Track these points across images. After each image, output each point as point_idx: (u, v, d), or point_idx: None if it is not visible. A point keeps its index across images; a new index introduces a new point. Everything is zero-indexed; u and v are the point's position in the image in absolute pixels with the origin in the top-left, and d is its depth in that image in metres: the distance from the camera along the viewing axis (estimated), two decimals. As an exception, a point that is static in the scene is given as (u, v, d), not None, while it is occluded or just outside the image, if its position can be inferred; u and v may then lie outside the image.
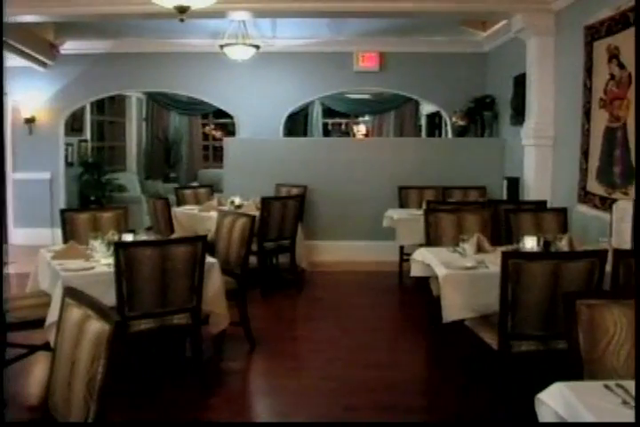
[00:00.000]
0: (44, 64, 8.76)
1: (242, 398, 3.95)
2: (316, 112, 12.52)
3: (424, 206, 5.82)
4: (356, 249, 7.39)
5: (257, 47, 7.44)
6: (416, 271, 4.24)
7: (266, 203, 6.00)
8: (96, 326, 2.07)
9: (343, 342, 4.74)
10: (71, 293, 2.35)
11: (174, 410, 3.53)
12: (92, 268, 3.72)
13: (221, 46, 7.34)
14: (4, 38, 6.80)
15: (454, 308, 3.52)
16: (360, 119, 13.47)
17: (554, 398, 1.91)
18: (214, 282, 3.87)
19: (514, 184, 6.79)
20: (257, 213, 5.53)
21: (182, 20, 4.50)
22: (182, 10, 4.33)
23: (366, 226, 7.36)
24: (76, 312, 2.24)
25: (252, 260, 5.16)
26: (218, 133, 13.23)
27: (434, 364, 4.45)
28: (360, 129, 13.60)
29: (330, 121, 13.37)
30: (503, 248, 3.82)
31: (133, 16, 6.43)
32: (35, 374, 4.11)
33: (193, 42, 8.55)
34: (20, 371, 4.01)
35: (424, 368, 4.44)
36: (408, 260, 5.55)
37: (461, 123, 8.54)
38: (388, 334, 5.08)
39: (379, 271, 6.87)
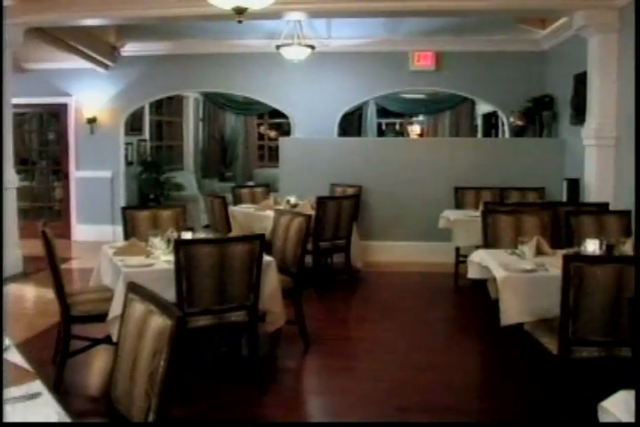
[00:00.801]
0: (105, 66, 9.01)
1: (295, 396, 3.98)
2: (371, 112, 12.48)
3: (481, 207, 5.74)
4: (411, 250, 7.35)
5: (312, 47, 7.48)
6: (473, 273, 4.19)
7: (321, 202, 6.02)
8: (158, 322, 2.12)
9: (398, 343, 4.72)
10: (134, 288, 2.40)
11: (229, 406, 3.58)
12: (152, 264, 3.81)
13: (277, 47, 7.41)
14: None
15: (513, 311, 3.47)
16: (414, 119, 13.36)
17: (618, 407, 1.86)
18: (271, 280, 3.90)
19: (574, 186, 6.63)
20: (312, 213, 5.55)
21: (240, 22, 4.56)
22: (240, 11, 4.38)
23: (421, 227, 7.32)
24: (138, 307, 2.29)
25: (307, 259, 5.18)
26: (272, 133, 13.34)
27: (490, 367, 4.38)
28: (414, 129, 13.49)
29: (384, 121, 13.32)
30: (564, 251, 3.74)
31: (192, 18, 6.55)
32: (96, 366, 4.25)
33: (249, 42, 8.65)
34: (83, 363, 4.14)
35: (480, 371, 4.37)
36: (464, 261, 5.48)
37: (519, 123, 8.40)
38: (444, 336, 5.03)
39: (433, 273, 6.81)
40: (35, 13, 6.47)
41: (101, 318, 3.71)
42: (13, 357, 2.22)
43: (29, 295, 6.37)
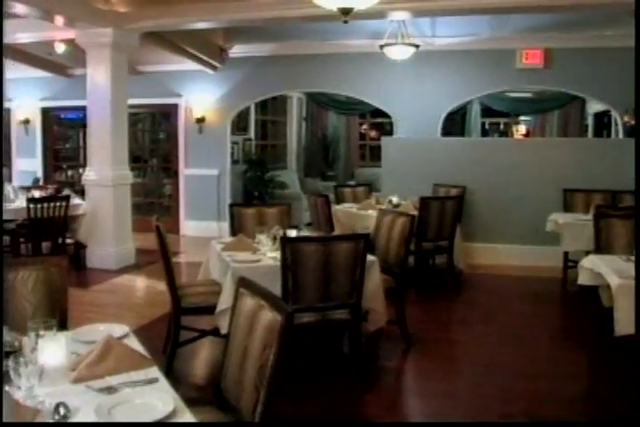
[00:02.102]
0: (214, 67, 9.31)
1: (396, 397, 3.96)
2: (475, 111, 12.22)
3: (592, 211, 5.50)
4: (516, 253, 7.15)
5: (416, 46, 7.41)
6: (584, 279, 4.03)
7: (424, 203, 5.97)
8: (268, 316, 2.18)
9: (501, 348, 4.60)
10: (245, 283, 2.47)
11: (330, 403, 3.61)
12: (259, 260, 3.91)
13: (381, 46, 7.39)
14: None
15: (628, 320, 3.30)
16: (520, 119, 12.96)
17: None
18: (374, 280, 3.91)
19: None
20: (415, 213, 5.51)
21: (346, 22, 4.58)
22: (346, 11, 4.39)
23: (527, 229, 7.10)
24: (249, 302, 2.36)
25: (410, 259, 5.13)
26: (373, 133, 13.33)
27: (600, 378, 4.16)
28: (520, 129, 13.08)
29: (487, 120, 13.01)
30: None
31: (297, 19, 6.64)
32: (204, 357, 4.41)
33: (353, 42, 8.68)
34: (191, 353, 4.31)
35: (589, 383, 4.16)
36: (573, 267, 5.28)
37: (633, 122, 7.97)
38: (550, 343, 4.84)
39: (539, 277, 6.59)
40: (150, 19, 6.78)
41: (209, 310, 3.84)
42: (132, 343, 2.34)
43: (140, 286, 6.69)
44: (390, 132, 9.74)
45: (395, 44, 7.36)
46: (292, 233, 4.12)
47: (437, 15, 7.17)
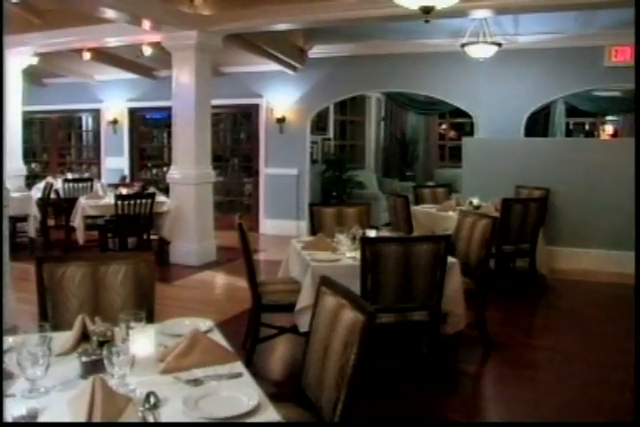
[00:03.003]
0: (294, 68, 9.41)
1: (474, 401, 3.89)
2: (559, 111, 11.82)
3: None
4: (602, 258, 6.88)
5: (499, 45, 7.25)
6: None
7: (506, 205, 5.84)
8: (349, 316, 2.18)
9: (583, 356, 4.44)
10: (326, 282, 2.49)
11: (408, 405, 3.60)
12: (339, 260, 3.93)
13: (462, 45, 7.27)
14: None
15: None
16: (607, 118, 12.46)
17: None
18: (454, 282, 3.86)
19: None
20: (497, 215, 5.40)
21: (427, 21, 4.54)
22: (427, 10, 4.34)
23: (614, 234, 6.83)
24: (331, 300, 2.37)
25: (490, 262, 5.04)
26: (452, 133, 13.14)
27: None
28: (607, 129, 12.58)
29: (571, 120, 12.57)
30: None
31: (377, 19, 6.62)
32: (282, 354, 4.47)
33: (433, 42, 8.58)
34: (269, 349, 4.38)
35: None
36: (665, 274, 5.02)
37: None
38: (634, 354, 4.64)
39: (626, 284, 6.30)
40: (232, 21, 6.93)
41: (289, 308, 3.89)
42: (216, 338, 2.40)
43: (221, 282, 6.85)
44: (470, 133, 9.58)
45: (476, 42, 7.23)
46: (372, 233, 4.12)
47: (521, 13, 6.99)
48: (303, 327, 3.60)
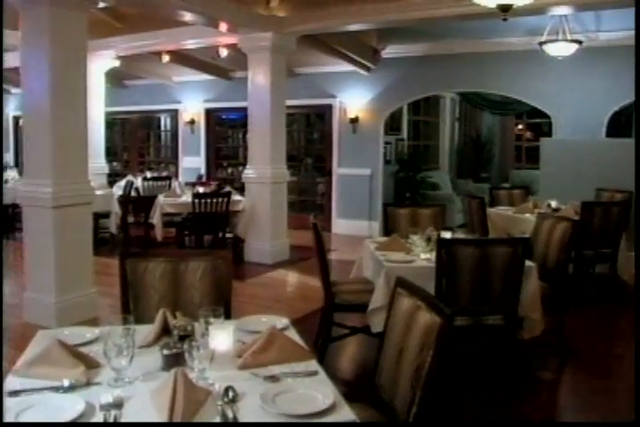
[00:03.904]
0: (367, 68, 9.40)
1: (552, 410, 3.78)
2: (644, 111, 11.36)
3: None
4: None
5: (579, 42, 7.01)
6: None
7: (587, 208, 5.65)
8: (426, 317, 2.17)
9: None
10: (402, 283, 2.47)
11: (481, 410, 3.53)
12: (413, 261, 3.90)
13: (540, 43, 7.07)
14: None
15: None
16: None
17: None
18: (531, 286, 3.77)
19: None
20: (576, 218, 5.23)
21: (505, 20, 4.43)
22: (505, 8, 4.25)
23: None
24: (406, 302, 2.36)
25: (569, 267, 4.88)
26: (528, 134, 12.82)
27: None
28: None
29: (657, 120, 12.03)
30: None
31: (452, 18, 6.52)
32: (354, 353, 4.47)
33: (509, 40, 8.38)
34: (341, 349, 4.40)
35: None
36: None
37: None
38: None
39: None
40: (307, 22, 6.99)
41: (361, 308, 3.89)
42: (292, 336, 2.42)
43: (293, 281, 6.91)
44: (548, 133, 9.31)
45: (555, 40, 7.01)
46: (447, 235, 4.06)
47: (603, 8, 6.73)
48: (376, 328, 3.60)
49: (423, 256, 3.96)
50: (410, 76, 9.23)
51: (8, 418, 1.72)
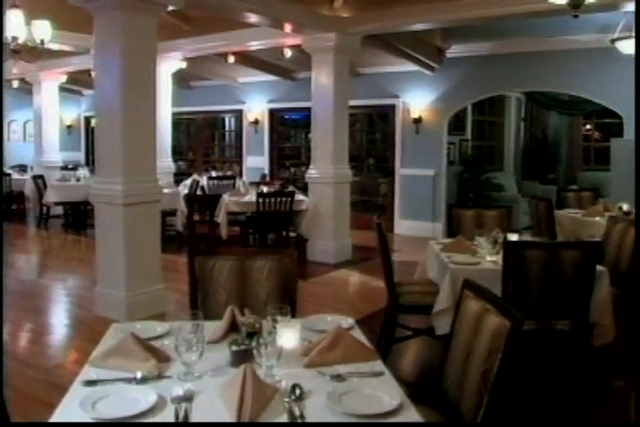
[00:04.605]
0: (431, 68, 9.31)
1: (625, 419, 3.66)
2: None
3: None
4: None
5: (654, 39, 6.75)
6: None
7: (661, 211, 5.44)
8: (495, 321, 2.13)
9: None
10: (470, 285, 2.44)
11: (549, 418, 3.45)
12: (478, 263, 3.84)
13: (612, 41, 6.84)
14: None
15: None
16: None
17: None
18: (602, 292, 3.65)
19: None
20: (650, 222, 5.04)
21: (576, 16, 4.31)
22: (576, 5, 4.12)
23: None
24: (474, 304, 2.33)
25: None
26: (596, 134, 12.43)
27: None
28: None
29: None
30: None
31: (519, 15, 6.38)
32: (417, 356, 4.44)
33: (579, 38, 8.13)
34: (403, 350, 4.37)
35: None
36: None
37: None
38: None
39: None
40: (370, 22, 6.98)
41: (425, 309, 3.86)
42: (357, 335, 2.42)
43: (355, 281, 6.91)
44: (619, 134, 9.00)
45: (628, 37, 6.76)
46: (514, 237, 3.99)
47: (680, 3, 6.47)
48: (441, 330, 3.57)
49: (489, 258, 3.90)
50: (475, 76, 9.09)
51: (85, 406, 1.78)
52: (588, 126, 12.57)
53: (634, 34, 6.25)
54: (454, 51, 9.17)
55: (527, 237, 4.08)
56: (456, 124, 10.27)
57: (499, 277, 3.52)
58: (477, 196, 9.96)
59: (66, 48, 8.57)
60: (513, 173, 11.64)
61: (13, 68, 10.29)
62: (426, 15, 6.61)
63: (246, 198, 7.55)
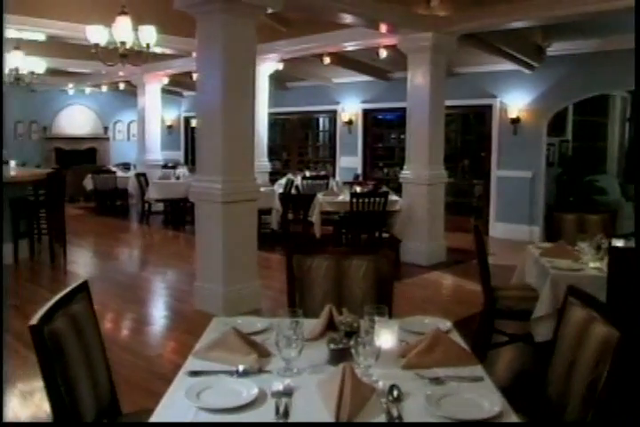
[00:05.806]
0: (531, 67, 9.03)
1: None
2: None
3: None
4: None
5: None
6: None
7: None
8: (602, 330, 2.05)
9: None
10: (575, 292, 2.35)
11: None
12: (581, 269, 3.71)
13: None
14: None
15: None
16: None
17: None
18: None
19: None
20: None
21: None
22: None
23: None
24: (579, 312, 2.25)
25: None
26: None
27: None
28: None
29: None
30: None
31: (620, 11, 6.05)
32: (512, 362, 4.33)
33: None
34: (499, 356, 4.27)
35: None
36: None
37: None
38: None
39: None
40: (468, 21, 6.85)
41: (522, 315, 3.76)
42: (456, 339, 2.39)
43: (449, 284, 6.80)
44: None
45: None
46: (619, 243, 3.82)
47: None
48: (540, 337, 3.46)
49: (592, 265, 3.74)
50: (577, 74, 8.75)
51: (191, 396, 1.85)
52: None
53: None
54: (555, 49, 8.86)
55: (632, 244, 3.88)
56: (556, 125, 9.90)
57: (603, 285, 3.37)
58: (578, 199, 9.57)
59: (168, 51, 8.92)
60: (616, 175, 11.12)
61: (119, 71, 10.79)
62: (525, 13, 6.42)
63: (340, 198, 7.59)
